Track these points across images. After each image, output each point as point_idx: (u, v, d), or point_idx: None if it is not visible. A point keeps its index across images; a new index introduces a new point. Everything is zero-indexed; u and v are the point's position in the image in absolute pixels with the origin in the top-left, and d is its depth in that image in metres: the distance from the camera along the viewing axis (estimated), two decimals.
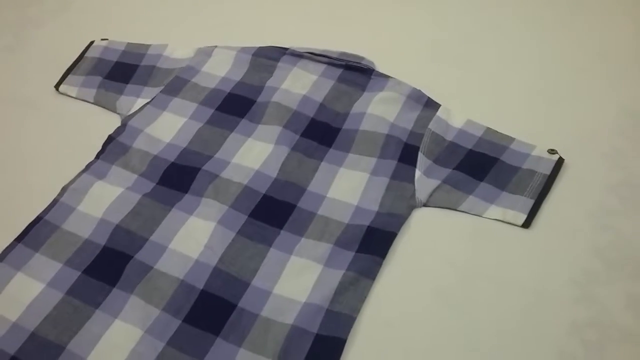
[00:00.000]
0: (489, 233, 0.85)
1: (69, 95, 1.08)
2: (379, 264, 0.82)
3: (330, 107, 1.02)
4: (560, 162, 0.91)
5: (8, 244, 0.85)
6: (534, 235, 0.85)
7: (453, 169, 0.92)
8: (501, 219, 0.86)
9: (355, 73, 1.07)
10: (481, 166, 0.92)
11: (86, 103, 1.07)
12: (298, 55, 1.10)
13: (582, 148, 0.94)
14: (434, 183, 0.90)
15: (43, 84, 1.10)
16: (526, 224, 0.85)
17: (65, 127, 1.03)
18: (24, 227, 0.87)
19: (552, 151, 0.93)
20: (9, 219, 0.89)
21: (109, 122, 1.03)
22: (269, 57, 1.10)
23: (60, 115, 1.05)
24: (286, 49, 1.11)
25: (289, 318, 0.77)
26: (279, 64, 1.09)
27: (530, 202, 0.87)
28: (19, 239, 0.86)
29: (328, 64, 1.08)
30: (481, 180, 0.90)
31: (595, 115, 0.99)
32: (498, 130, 0.96)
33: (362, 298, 0.79)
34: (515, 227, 0.86)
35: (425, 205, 0.89)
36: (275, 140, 0.97)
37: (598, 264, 0.81)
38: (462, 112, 0.99)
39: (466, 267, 0.82)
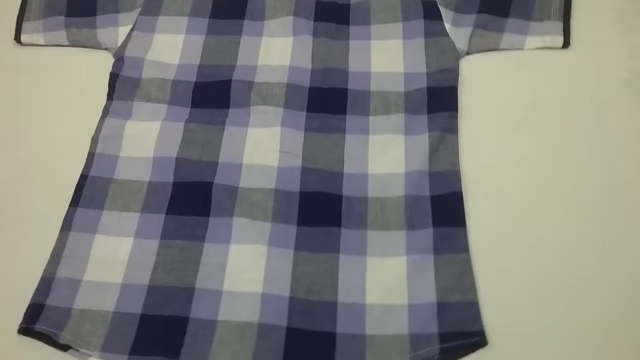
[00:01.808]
0: (536, 62, 0.88)
1: (36, 45, 0.94)
2: (455, 118, 0.82)
3: None
4: None
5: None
6: (576, 52, 0.88)
7: (477, 13, 0.92)
8: (541, 46, 0.89)
9: None
10: (501, 5, 0.92)
11: (60, 47, 0.94)
12: None
13: None
14: (466, 31, 0.90)
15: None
16: (565, 44, 0.89)
17: (54, 77, 0.91)
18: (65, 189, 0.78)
19: None
20: (45, 183, 0.80)
21: (97, 60, 0.92)
22: None
23: (40, 67, 0.92)
24: None
25: (398, 190, 0.76)
26: None
27: (559, 24, 0.90)
28: (75, 203, 0.77)
29: None
30: (507, 16, 0.91)
31: None
32: None
33: (455, 152, 0.79)
34: (556, 49, 0.89)
35: (468, 53, 0.89)
36: (292, 32, 0.91)
37: None
38: None
39: (530, 96, 0.85)
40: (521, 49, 0.89)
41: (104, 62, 0.91)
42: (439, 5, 0.92)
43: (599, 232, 0.73)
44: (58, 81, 0.91)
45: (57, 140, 0.84)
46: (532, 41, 0.89)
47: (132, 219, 0.75)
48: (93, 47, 0.93)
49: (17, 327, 0.68)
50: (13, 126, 0.86)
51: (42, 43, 0.94)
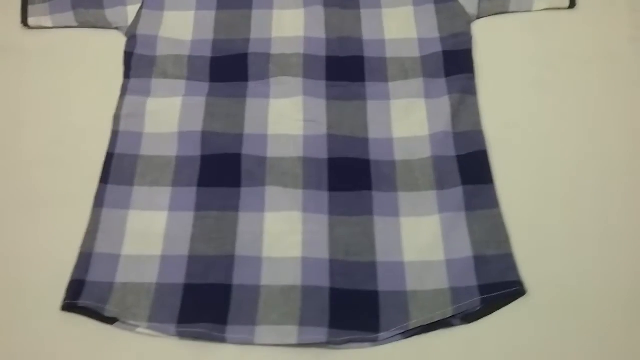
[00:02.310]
0: (545, 22, 0.90)
1: (44, 27, 0.93)
2: (473, 79, 0.84)
3: None
4: None
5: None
6: (582, 11, 0.91)
7: None
8: (548, 7, 0.91)
9: None
10: None
11: (67, 30, 0.93)
12: None
13: None
14: None
15: (4, 24, 0.93)
16: (572, 4, 0.91)
17: (66, 59, 0.90)
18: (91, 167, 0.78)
19: None
20: (70, 163, 0.80)
21: (108, 40, 0.91)
22: None
23: (49, 49, 0.91)
24: None
25: (424, 152, 0.78)
26: None
27: None
28: (104, 180, 0.77)
29: None
30: None
31: None
32: None
33: (476, 112, 0.81)
34: (563, 10, 0.91)
35: (478, 17, 0.91)
36: (302, 3, 0.92)
37: None
38: None
39: (541, 55, 0.87)
40: (529, 10, 0.91)
41: (115, 41, 0.90)
42: None
43: (617, 176, 0.76)
44: (70, 62, 0.90)
45: (77, 121, 0.84)
46: (539, 2, 0.91)
47: (164, 193, 0.76)
48: (103, 27, 0.92)
49: (55, 304, 0.69)
50: (32, 109, 0.86)
51: (51, 25, 0.93)
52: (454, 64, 0.85)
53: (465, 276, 0.69)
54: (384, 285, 0.69)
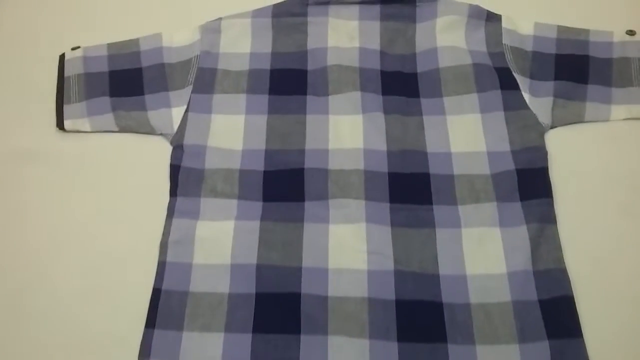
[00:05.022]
0: (625, 134, 0.83)
1: (81, 131, 0.87)
2: (551, 205, 0.76)
3: (392, 53, 0.90)
4: None
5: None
6: None
7: (554, 80, 0.86)
8: (629, 117, 0.84)
9: (396, 5, 0.94)
10: (577, 69, 0.87)
11: (107, 134, 0.86)
12: (324, 2, 0.94)
13: None
14: (547, 101, 0.84)
15: (38, 127, 0.87)
16: None
17: (107, 168, 0.84)
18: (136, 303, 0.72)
19: (630, 32, 0.90)
20: (114, 298, 0.73)
21: (151, 147, 0.85)
22: (293, 14, 0.94)
23: (89, 159, 0.84)
24: None
25: (503, 295, 0.71)
26: (308, 18, 0.93)
27: None
28: (151, 324, 0.70)
29: (360, 3, 0.94)
30: (586, 82, 0.86)
31: None
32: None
33: (558, 246, 0.74)
34: None
35: (552, 127, 0.83)
36: (360, 109, 0.84)
37: None
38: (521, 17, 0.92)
39: (626, 174, 0.80)
40: (607, 120, 0.84)
41: (158, 148, 0.84)
42: (513, 73, 0.86)
43: None
44: (110, 173, 0.83)
45: (118, 245, 0.78)
46: (617, 111, 0.84)
47: (216, 340, 0.69)
48: (146, 133, 0.86)
49: None
50: (67, 228, 0.79)
51: (89, 129, 0.86)
52: (529, 185, 0.78)
53: None
54: None
